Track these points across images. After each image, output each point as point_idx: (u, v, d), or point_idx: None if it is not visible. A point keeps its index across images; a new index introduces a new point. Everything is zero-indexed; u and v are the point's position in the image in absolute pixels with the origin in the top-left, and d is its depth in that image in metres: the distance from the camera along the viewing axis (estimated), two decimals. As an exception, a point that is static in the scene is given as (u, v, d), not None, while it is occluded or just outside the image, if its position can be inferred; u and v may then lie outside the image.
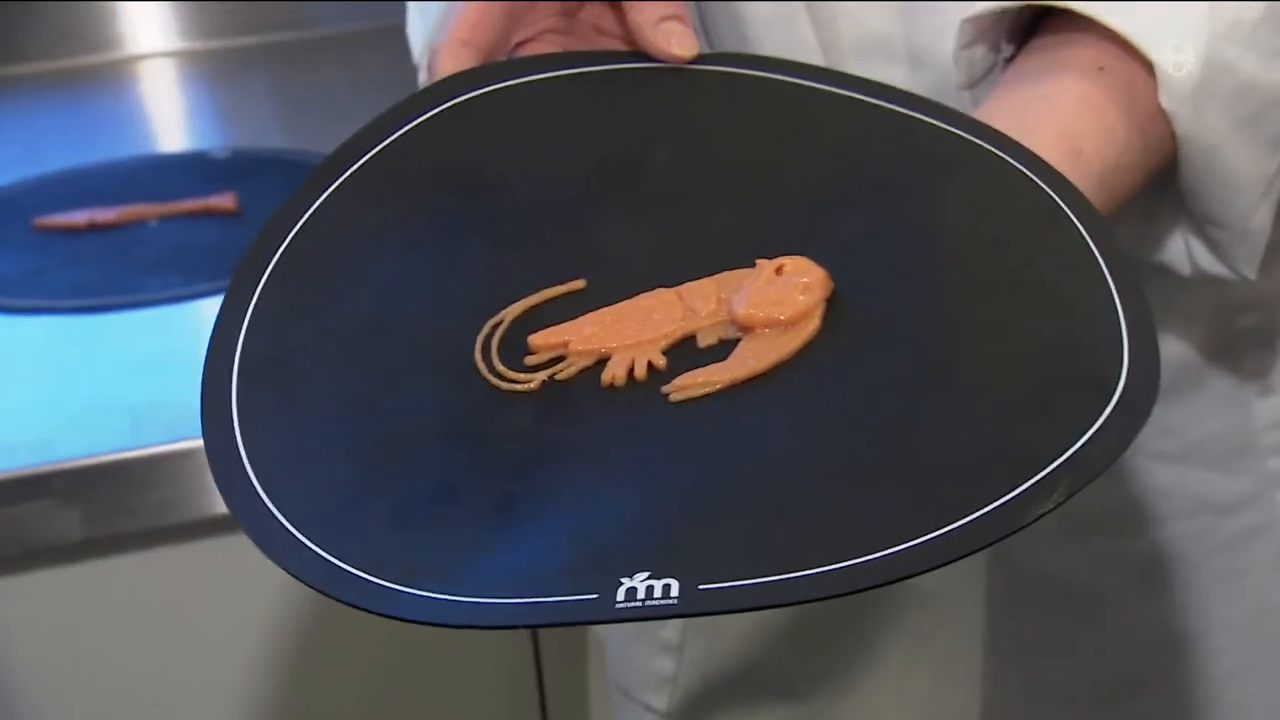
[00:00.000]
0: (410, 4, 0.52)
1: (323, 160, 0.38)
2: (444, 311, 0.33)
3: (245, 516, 0.27)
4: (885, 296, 0.31)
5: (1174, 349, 0.51)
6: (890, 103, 0.37)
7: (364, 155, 0.37)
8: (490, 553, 0.26)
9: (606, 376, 0.30)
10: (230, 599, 0.69)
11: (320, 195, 0.36)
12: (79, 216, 0.90)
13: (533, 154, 0.38)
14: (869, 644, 0.57)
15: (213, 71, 1.18)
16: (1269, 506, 0.54)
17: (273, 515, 0.27)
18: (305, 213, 0.36)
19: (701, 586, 0.23)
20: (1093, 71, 0.35)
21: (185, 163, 1.04)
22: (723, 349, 0.30)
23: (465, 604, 0.25)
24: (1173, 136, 0.35)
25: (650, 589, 0.23)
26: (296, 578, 0.26)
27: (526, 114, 0.39)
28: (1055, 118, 0.35)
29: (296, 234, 0.35)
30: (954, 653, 0.58)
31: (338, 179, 0.37)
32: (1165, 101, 0.34)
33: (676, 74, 0.39)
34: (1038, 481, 0.24)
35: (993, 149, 0.33)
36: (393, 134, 0.38)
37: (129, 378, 0.72)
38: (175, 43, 1.19)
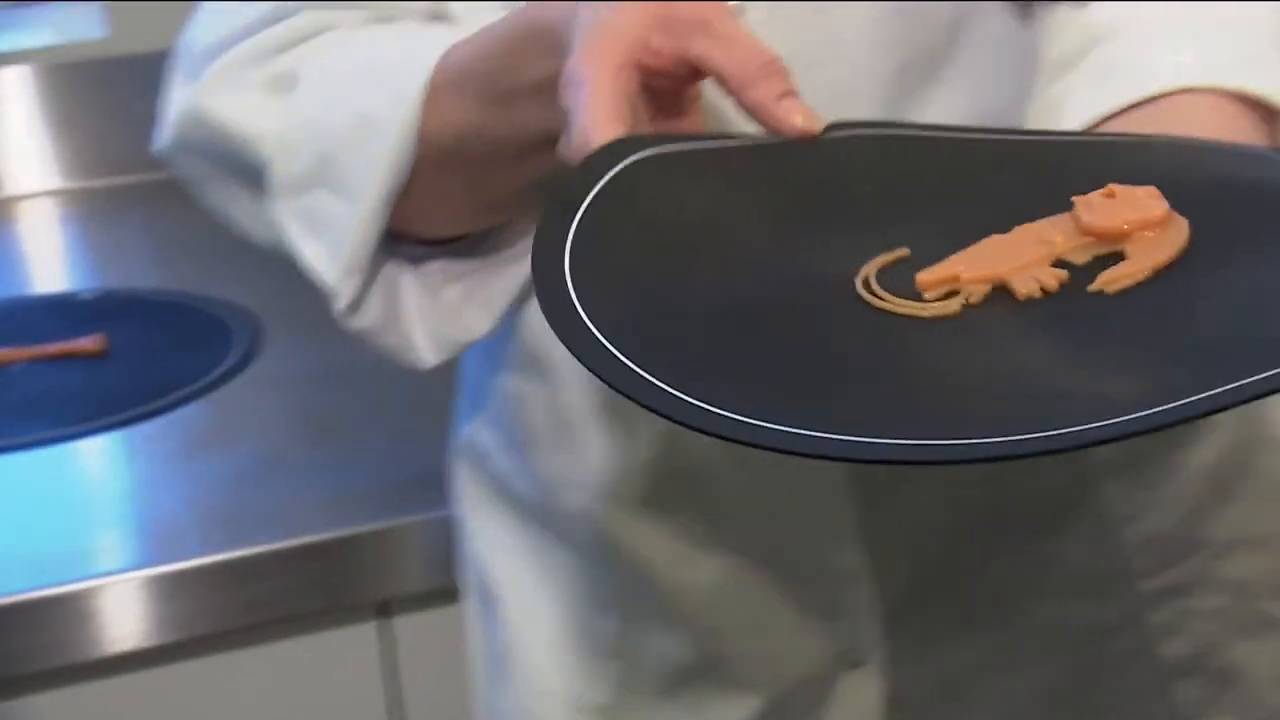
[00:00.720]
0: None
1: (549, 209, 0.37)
2: (802, 279, 0.35)
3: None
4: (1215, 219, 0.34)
5: (1042, 483, 0.53)
6: (1037, 136, 0.41)
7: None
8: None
9: (1025, 289, 0.33)
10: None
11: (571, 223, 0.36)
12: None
13: (738, 197, 0.39)
14: None
15: (89, 211, 1.20)
16: (1144, 629, 0.56)
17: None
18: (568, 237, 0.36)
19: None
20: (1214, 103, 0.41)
21: (54, 304, 1.06)
22: (1098, 265, 0.33)
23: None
24: None
25: None
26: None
27: (707, 170, 0.40)
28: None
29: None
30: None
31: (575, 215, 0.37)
32: None
33: (826, 144, 0.41)
34: None
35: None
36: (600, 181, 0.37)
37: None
38: (53, 182, 1.21)
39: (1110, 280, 0.33)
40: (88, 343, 0.92)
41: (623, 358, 0.31)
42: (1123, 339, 0.32)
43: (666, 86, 0.41)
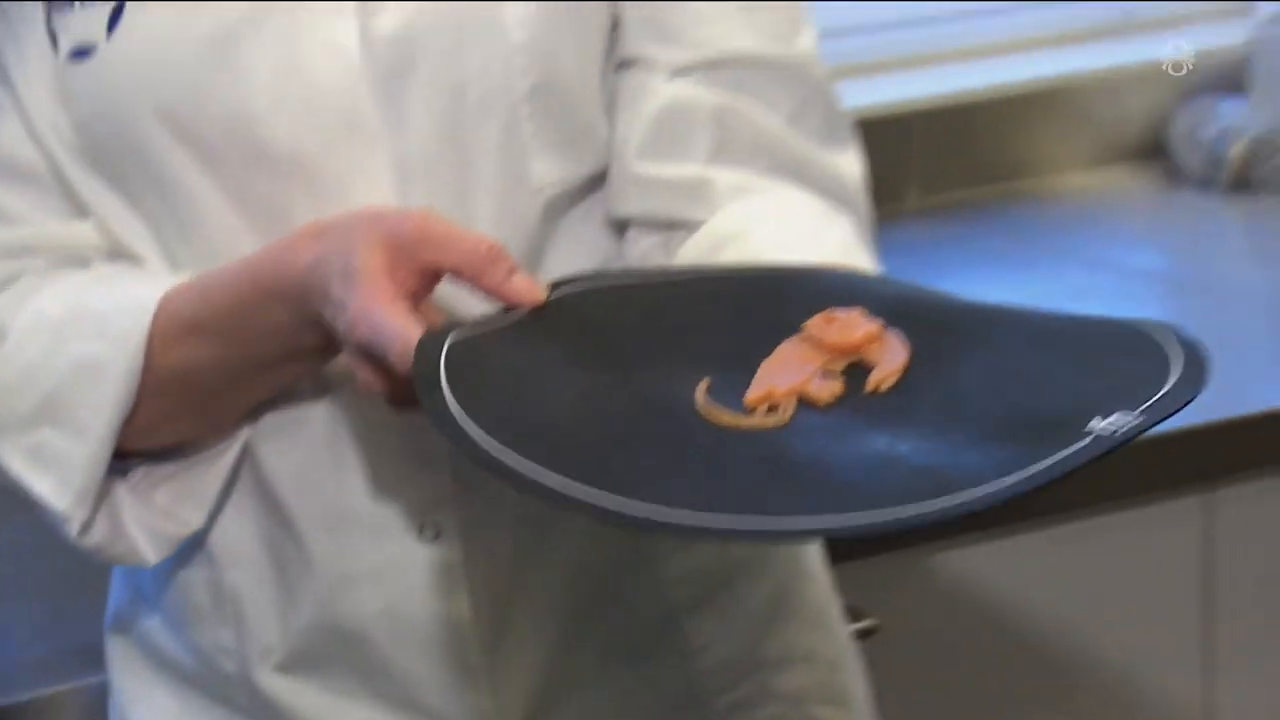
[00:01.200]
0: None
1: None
2: (644, 403, 0.45)
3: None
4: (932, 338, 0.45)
5: (618, 623, 0.62)
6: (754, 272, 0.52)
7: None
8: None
9: (823, 396, 0.43)
10: None
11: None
12: None
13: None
14: None
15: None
16: None
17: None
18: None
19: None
20: None
21: None
22: (852, 371, 0.44)
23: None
24: None
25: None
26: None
27: (507, 339, 0.49)
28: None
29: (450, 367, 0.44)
30: None
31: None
32: None
33: (569, 302, 0.51)
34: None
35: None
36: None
37: None
38: None
39: (878, 381, 0.43)
40: None
41: (515, 461, 0.40)
42: (931, 424, 0.42)
43: (418, 292, 0.50)
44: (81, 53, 0.62)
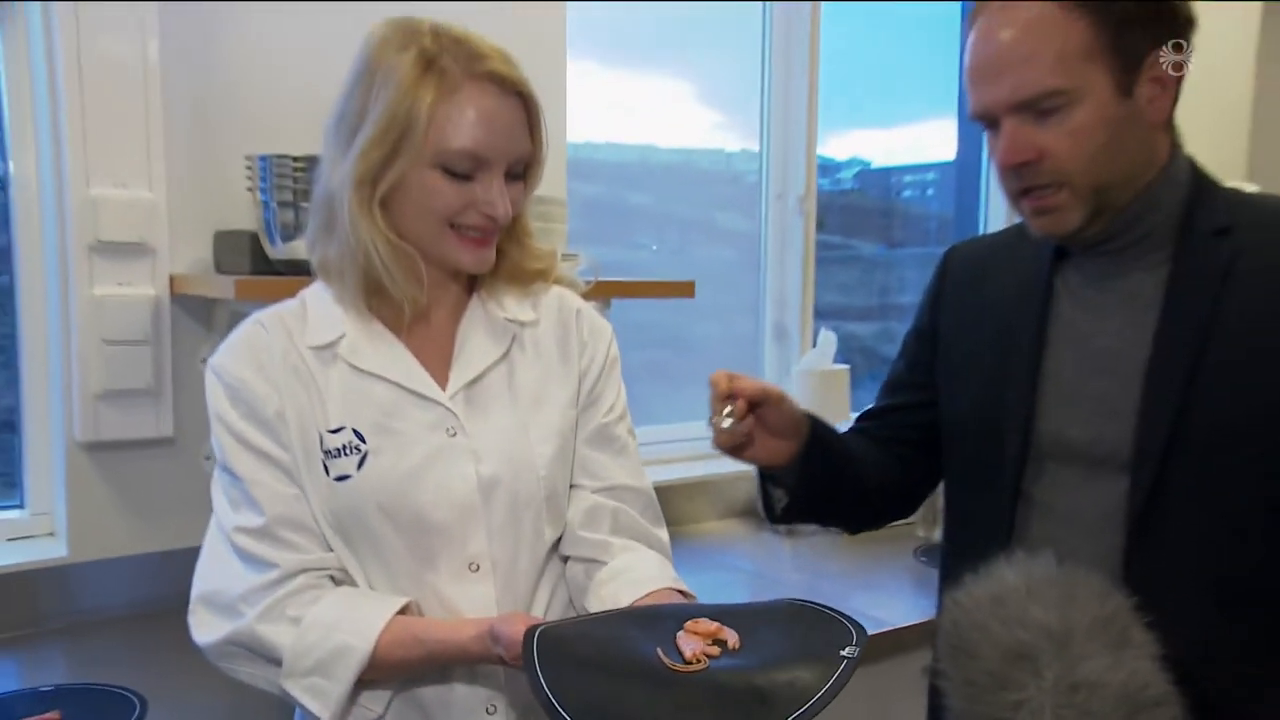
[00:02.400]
0: None
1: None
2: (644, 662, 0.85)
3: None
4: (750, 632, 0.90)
5: None
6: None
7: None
8: None
9: (724, 647, 0.87)
10: None
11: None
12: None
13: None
14: None
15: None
16: None
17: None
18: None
19: None
20: None
21: (25, 694, 1.42)
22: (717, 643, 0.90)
23: None
24: None
25: None
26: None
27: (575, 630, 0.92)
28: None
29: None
30: None
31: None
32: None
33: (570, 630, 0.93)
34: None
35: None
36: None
37: None
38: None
39: (734, 645, 0.87)
40: (50, 715, 1.38)
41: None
42: (775, 660, 0.84)
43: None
44: (342, 478, 1.01)
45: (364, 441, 1.01)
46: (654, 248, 2.68)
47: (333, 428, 1.02)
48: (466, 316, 1.10)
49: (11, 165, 1.77)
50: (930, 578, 2.15)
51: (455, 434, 1.04)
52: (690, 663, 0.85)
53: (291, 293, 1.13)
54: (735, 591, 2.03)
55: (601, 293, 1.32)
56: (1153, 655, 0.88)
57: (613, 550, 1.07)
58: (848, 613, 0.93)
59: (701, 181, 2.63)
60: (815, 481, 1.15)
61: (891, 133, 2.96)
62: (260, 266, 1.64)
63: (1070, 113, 0.97)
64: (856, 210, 2.86)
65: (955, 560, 1.16)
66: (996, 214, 3.16)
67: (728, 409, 1.04)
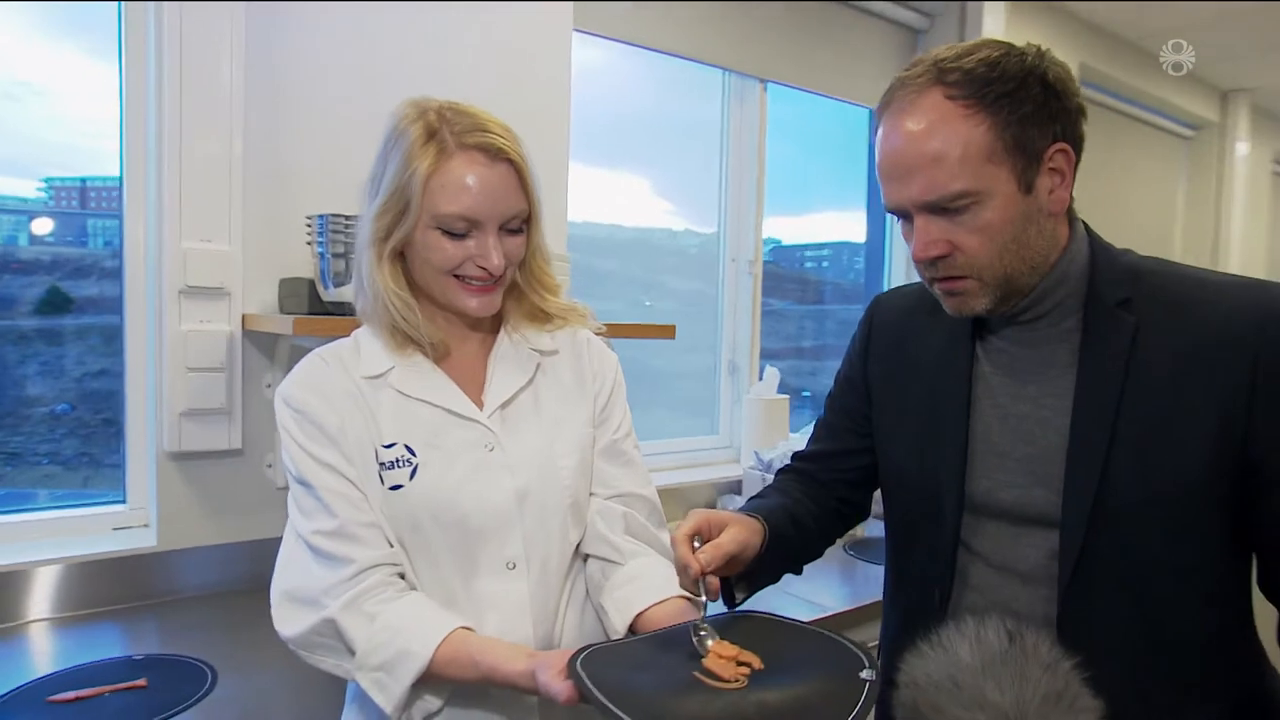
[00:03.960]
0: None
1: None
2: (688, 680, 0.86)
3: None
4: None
5: None
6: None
7: None
8: None
9: (755, 667, 0.86)
10: None
11: None
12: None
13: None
14: None
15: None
16: None
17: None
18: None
19: None
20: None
21: (119, 662, 1.54)
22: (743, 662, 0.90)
23: None
24: None
25: None
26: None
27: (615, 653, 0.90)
28: None
29: None
30: None
31: None
32: None
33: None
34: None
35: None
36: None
37: None
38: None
39: (759, 667, 0.86)
40: (138, 682, 1.49)
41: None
42: (803, 678, 0.84)
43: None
44: (396, 488, 1.05)
45: (415, 455, 1.05)
46: (648, 303, 3.13)
47: (386, 443, 1.06)
48: (496, 348, 1.16)
49: (125, 229, 1.99)
50: (858, 569, 2.32)
51: (493, 449, 1.09)
52: (729, 681, 0.88)
53: (340, 330, 1.27)
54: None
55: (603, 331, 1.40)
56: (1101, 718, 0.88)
57: (625, 553, 1.13)
58: (839, 634, 0.98)
59: (655, 253, 3.14)
60: (775, 566, 1.17)
61: (796, 219, 3.63)
62: (315, 307, 1.81)
63: (978, 212, 0.97)
64: (774, 275, 3.51)
65: (899, 610, 1.20)
66: (897, 280, 3.80)
67: (702, 589, 1.02)
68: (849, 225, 3.82)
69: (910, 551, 1.18)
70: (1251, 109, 4.94)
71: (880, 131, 1.02)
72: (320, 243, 1.78)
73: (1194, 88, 4.51)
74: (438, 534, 1.06)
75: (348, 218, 1.76)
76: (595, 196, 2.88)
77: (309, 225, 1.85)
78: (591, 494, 1.17)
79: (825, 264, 3.79)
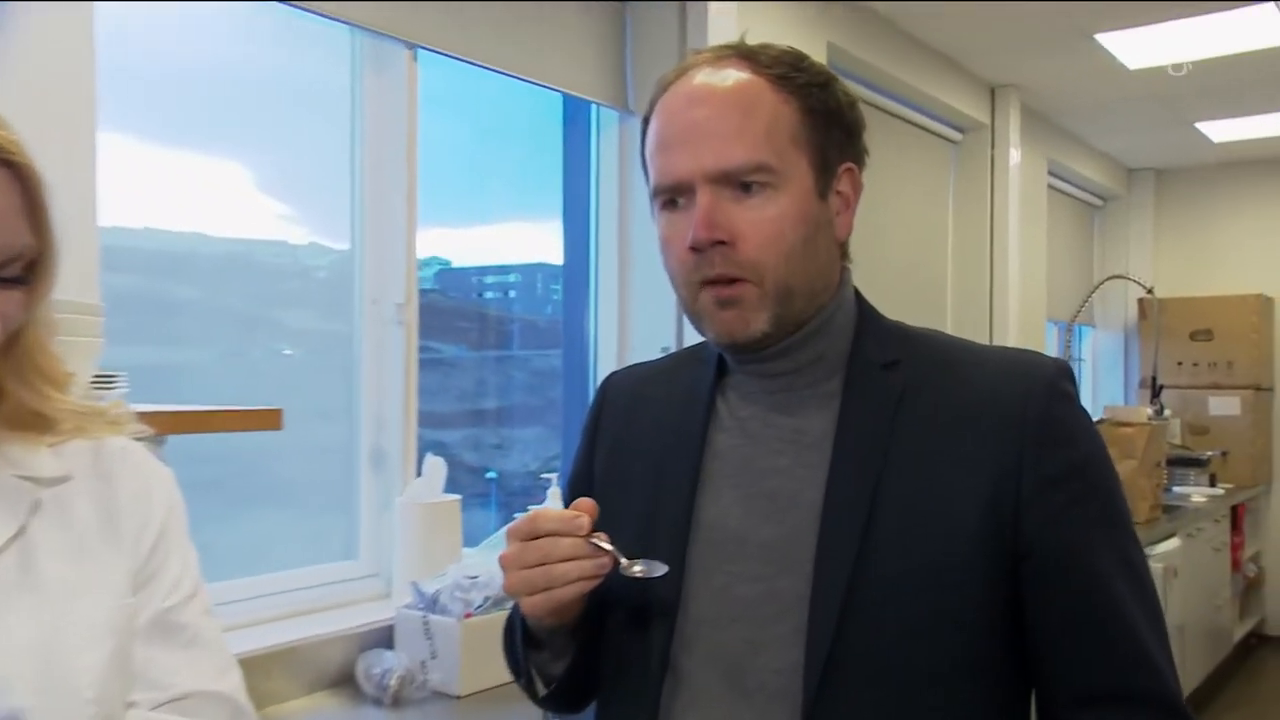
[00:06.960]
0: None
1: None
2: None
3: None
4: None
5: None
6: None
7: None
8: None
9: None
10: None
11: None
12: None
13: None
14: None
15: None
16: None
17: None
18: None
19: None
20: None
21: None
22: None
23: None
24: None
25: None
26: None
27: None
28: None
29: None
30: None
31: None
32: None
33: None
34: None
35: None
36: None
37: None
38: None
39: None
40: None
41: None
42: None
43: None
44: None
45: None
46: (292, 352, 2.36)
47: None
48: None
49: None
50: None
51: None
52: None
53: None
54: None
55: (159, 426, 1.09)
56: None
57: None
58: None
59: (262, 277, 2.36)
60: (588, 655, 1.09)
61: (472, 232, 2.95)
62: None
63: (772, 196, 0.98)
64: (437, 311, 2.71)
65: None
66: (608, 317, 3.08)
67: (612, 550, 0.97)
68: (544, 241, 3.08)
69: (613, 685, 1.09)
70: (1023, 109, 4.87)
71: (668, 100, 1.02)
72: None
73: (958, 79, 4.50)
74: None
75: None
76: (162, 189, 2.12)
77: None
78: (130, 703, 0.90)
79: (512, 293, 3.16)
